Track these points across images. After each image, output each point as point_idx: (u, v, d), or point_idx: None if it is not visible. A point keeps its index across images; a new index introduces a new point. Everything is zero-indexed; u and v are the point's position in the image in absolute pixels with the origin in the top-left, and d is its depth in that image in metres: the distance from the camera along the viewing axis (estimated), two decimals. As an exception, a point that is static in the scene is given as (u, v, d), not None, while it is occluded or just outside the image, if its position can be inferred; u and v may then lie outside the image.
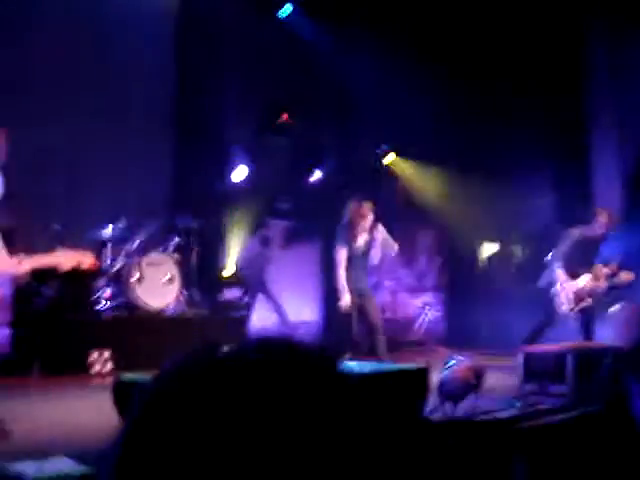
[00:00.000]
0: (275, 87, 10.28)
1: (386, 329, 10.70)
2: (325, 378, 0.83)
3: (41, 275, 8.68)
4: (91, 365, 7.78)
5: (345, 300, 7.73)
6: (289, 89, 10.08)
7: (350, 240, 7.80)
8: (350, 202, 7.91)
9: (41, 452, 3.69)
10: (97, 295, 8.45)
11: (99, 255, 8.54)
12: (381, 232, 7.90)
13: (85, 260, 4.09)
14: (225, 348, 0.84)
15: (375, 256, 7.96)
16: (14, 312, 7.04)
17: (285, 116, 10.84)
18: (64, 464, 3.40)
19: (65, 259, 3.99)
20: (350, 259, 7.80)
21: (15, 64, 8.78)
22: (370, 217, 7.79)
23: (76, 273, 8.40)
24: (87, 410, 5.73)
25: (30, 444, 4.34)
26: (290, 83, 10.03)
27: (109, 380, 7.57)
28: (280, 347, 0.84)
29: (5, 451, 3.57)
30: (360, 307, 7.81)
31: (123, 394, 3.16)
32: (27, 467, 3.30)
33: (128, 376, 3.38)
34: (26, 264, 4.08)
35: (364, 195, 8.05)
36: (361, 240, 7.85)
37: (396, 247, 8.14)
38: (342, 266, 7.78)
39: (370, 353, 7.77)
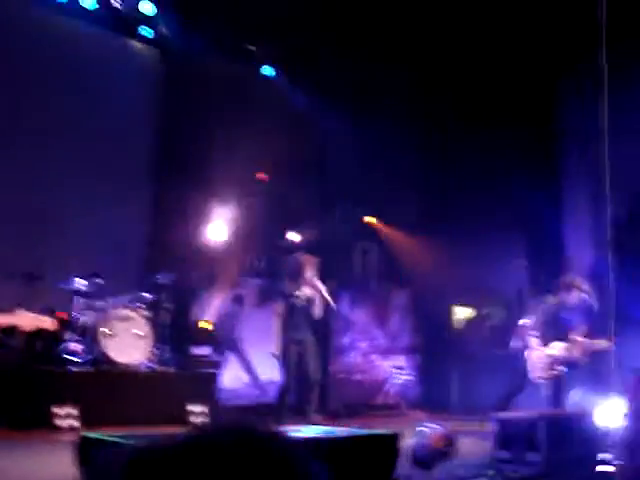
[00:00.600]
0: (257, 143, 10.34)
1: (356, 391, 10.66)
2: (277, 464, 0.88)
3: (8, 328, 8.57)
4: (56, 420, 7.59)
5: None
6: (270, 147, 10.14)
7: (292, 290, 7.99)
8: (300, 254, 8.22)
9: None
10: (65, 348, 8.29)
11: (69, 307, 8.44)
12: (322, 288, 8.08)
13: (44, 324, 4.04)
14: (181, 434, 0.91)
15: (317, 310, 8.09)
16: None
17: (262, 175, 10.90)
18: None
19: (24, 321, 3.94)
20: (292, 308, 7.99)
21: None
22: (313, 271, 8.06)
23: (40, 330, 8.41)
24: (49, 466, 5.59)
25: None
26: (271, 142, 10.10)
27: (73, 436, 7.43)
28: (234, 433, 0.90)
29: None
30: (299, 356, 7.95)
31: (86, 452, 3.07)
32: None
33: (92, 434, 3.29)
34: None
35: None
36: (303, 291, 8.00)
37: (334, 306, 8.42)
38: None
39: (298, 412, 7.88)
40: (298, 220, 11.16)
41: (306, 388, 8.08)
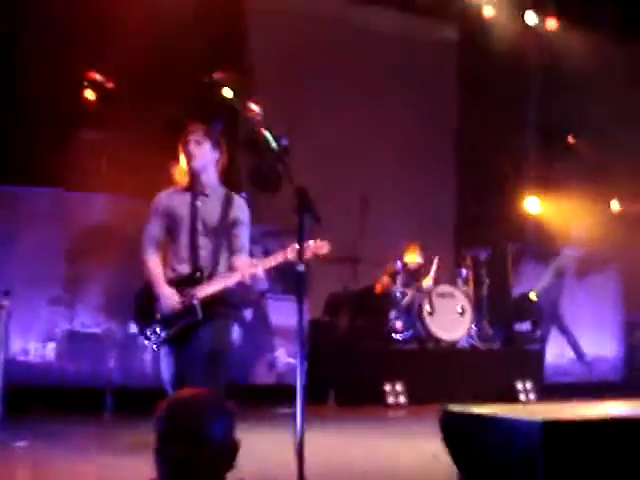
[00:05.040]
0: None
1: None
2: None
3: (333, 308, 8.93)
4: (385, 396, 7.76)
5: None
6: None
7: None
8: None
9: None
10: (389, 327, 8.46)
11: (392, 285, 8.60)
12: None
13: (321, 250, 4.15)
14: None
15: None
16: (309, 344, 7.25)
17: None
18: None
19: (295, 253, 3.97)
20: None
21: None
22: None
23: (368, 304, 8.63)
24: (389, 441, 5.73)
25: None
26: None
27: (403, 412, 7.58)
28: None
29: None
30: None
31: (451, 425, 2.97)
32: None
33: (455, 408, 3.19)
34: (260, 265, 4.30)
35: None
36: None
37: None
38: None
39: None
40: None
41: None
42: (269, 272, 4.42)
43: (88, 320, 7.36)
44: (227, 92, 7.75)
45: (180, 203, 4.54)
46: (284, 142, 3.80)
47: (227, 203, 4.52)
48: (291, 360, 8.00)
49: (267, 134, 3.41)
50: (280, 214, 7.34)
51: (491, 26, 10.04)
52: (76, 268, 7.02)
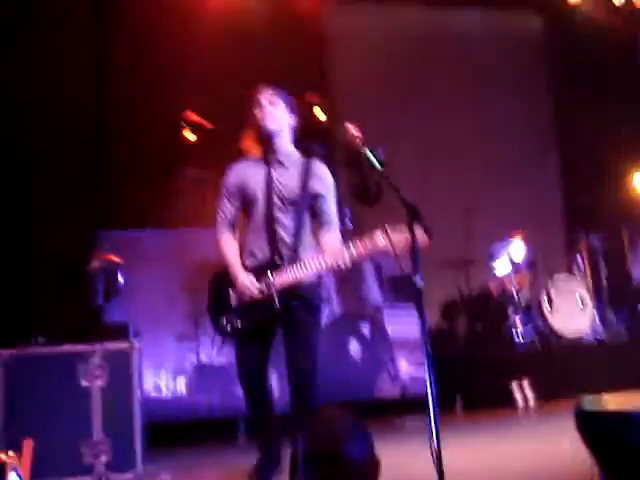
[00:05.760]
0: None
1: None
2: None
3: (450, 313, 8.87)
4: (513, 397, 7.65)
5: None
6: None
7: None
8: None
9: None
10: (509, 326, 8.34)
11: (507, 283, 8.47)
12: None
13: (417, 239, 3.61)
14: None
15: None
16: (432, 353, 7.21)
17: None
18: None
19: (388, 242, 3.60)
20: None
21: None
22: None
23: (485, 307, 8.53)
24: (523, 442, 5.64)
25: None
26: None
27: (533, 412, 7.45)
28: None
29: None
30: None
31: (589, 423, 2.92)
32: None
33: (592, 403, 3.12)
34: (351, 251, 3.77)
35: None
36: None
37: None
38: None
39: None
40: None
41: None
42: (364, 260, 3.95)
43: (214, 352, 7.55)
44: (319, 114, 7.86)
45: (253, 175, 4.06)
46: (382, 156, 3.55)
47: (306, 172, 4.02)
48: (413, 370, 7.99)
49: (369, 155, 3.41)
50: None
51: (577, 11, 9.82)
52: (196, 303, 7.21)
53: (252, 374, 4.01)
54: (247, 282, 3.93)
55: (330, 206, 4.05)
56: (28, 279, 7.11)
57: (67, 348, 5.23)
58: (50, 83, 7.60)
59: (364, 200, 8.35)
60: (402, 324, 7.85)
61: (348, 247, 3.78)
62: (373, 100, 9.19)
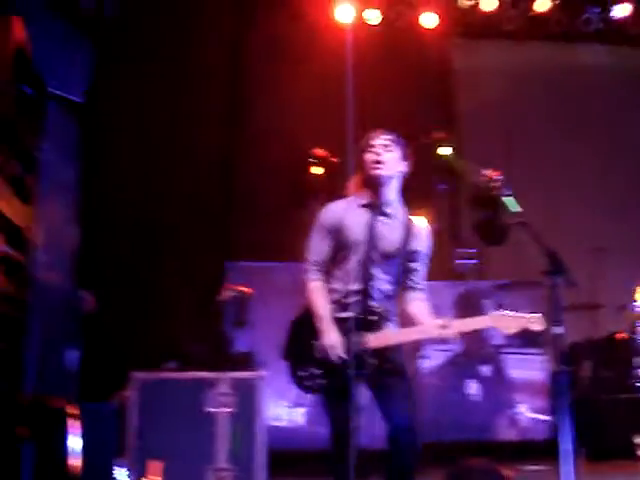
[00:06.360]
0: None
1: None
2: None
3: (575, 358, 8.61)
4: (636, 450, 7.37)
5: None
6: None
7: None
8: None
9: None
10: (634, 375, 8.03)
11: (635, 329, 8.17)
12: None
13: (531, 325, 3.55)
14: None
15: None
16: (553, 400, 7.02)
17: None
18: None
19: (502, 322, 3.49)
20: None
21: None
22: None
23: (610, 353, 8.25)
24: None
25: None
26: None
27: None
28: None
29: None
30: None
31: None
32: None
33: None
34: (454, 327, 3.59)
35: None
36: None
37: None
38: None
39: None
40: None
41: None
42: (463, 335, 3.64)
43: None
44: (445, 152, 7.89)
45: (354, 220, 3.75)
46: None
47: (408, 228, 3.77)
48: (534, 415, 7.82)
49: (508, 201, 3.37)
50: (510, 269, 7.35)
51: None
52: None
53: (343, 435, 3.54)
54: (336, 343, 3.65)
55: (424, 268, 3.87)
56: (162, 307, 7.39)
57: (196, 374, 5.41)
58: (184, 125, 7.98)
59: (491, 240, 8.29)
60: (524, 369, 7.70)
61: (450, 325, 3.59)
62: (501, 137, 9.13)
